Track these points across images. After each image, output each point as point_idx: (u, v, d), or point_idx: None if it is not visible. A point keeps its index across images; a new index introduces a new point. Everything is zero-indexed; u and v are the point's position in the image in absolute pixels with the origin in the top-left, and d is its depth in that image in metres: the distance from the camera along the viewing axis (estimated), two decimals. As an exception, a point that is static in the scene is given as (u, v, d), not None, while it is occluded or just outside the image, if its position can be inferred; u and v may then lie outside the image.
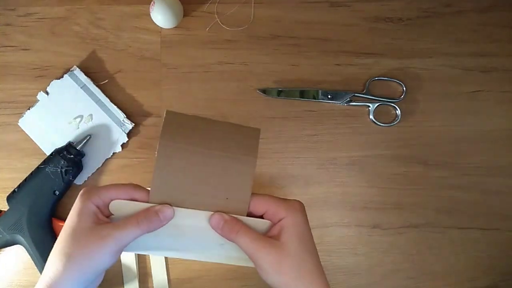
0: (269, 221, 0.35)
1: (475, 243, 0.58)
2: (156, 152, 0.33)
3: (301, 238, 0.34)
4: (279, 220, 0.34)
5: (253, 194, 0.35)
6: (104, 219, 0.34)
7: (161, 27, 0.57)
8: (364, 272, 0.58)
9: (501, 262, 0.58)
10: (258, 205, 0.35)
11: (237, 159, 0.34)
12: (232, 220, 0.34)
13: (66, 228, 0.33)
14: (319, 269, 0.34)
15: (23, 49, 0.58)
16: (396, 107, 0.58)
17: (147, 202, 0.34)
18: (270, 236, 0.34)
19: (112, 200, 0.34)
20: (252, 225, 0.34)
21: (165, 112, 0.34)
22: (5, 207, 0.53)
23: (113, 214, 0.34)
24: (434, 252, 0.58)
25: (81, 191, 0.34)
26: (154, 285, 0.56)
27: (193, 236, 0.35)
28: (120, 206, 0.34)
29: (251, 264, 0.35)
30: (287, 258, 0.33)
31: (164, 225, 0.33)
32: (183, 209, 0.33)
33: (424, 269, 0.58)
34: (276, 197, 0.36)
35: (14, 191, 0.53)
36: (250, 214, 0.35)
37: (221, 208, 0.34)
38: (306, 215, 0.36)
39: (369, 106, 0.58)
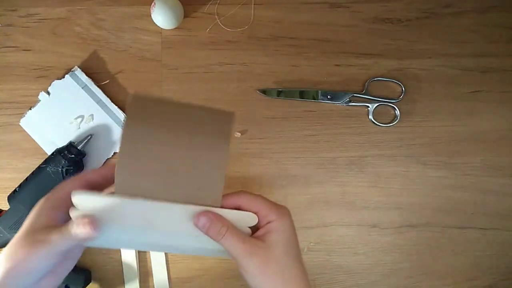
0: (256, 216, 0.34)
1: (475, 243, 0.58)
2: (120, 138, 0.30)
3: (288, 244, 0.34)
4: (267, 223, 0.34)
5: (247, 192, 0.35)
6: (54, 220, 0.32)
7: (161, 28, 0.58)
8: (364, 271, 0.58)
9: (501, 262, 0.58)
10: (251, 205, 0.34)
11: (208, 146, 0.31)
12: (218, 220, 0.32)
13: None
14: (303, 276, 0.34)
15: (25, 50, 0.58)
16: (395, 107, 0.58)
17: (113, 193, 0.31)
18: (256, 237, 0.34)
19: (71, 192, 0.31)
20: (238, 219, 0.33)
21: (130, 96, 0.31)
22: (6, 206, 0.54)
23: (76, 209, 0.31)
24: (434, 252, 0.58)
25: None
26: (154, 284, 0.57)
27: (165, 230, 0.32)
28: (82, 199, 0.30)
29: (227, 255, 0.34)
30: (272, 261, 0.32)
31: (94, 239, 0.30)
32: (152, 202, 0.31)
33: (423, 268, 0.58)
34: (268, 200, 0.35)
35: (15, 190, 0.53)
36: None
37: (193, 199, 0.32)
38: (293, 222, 0.35)
39: (368, 107, 0.58)
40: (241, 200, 0.35)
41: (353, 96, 0.58)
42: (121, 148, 0.30)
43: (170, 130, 0.31)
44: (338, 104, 0.58)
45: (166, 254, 0.57)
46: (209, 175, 0.32)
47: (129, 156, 0.30)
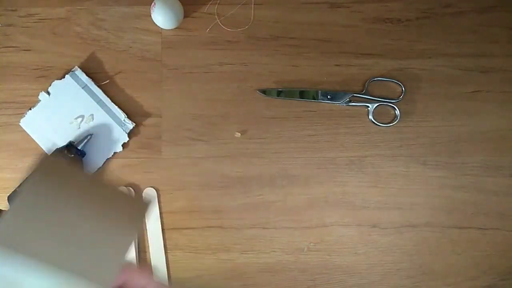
0: None
1: (475, 243, 0.58)
2: (20, 187, 0.28)
3: None
4: None
5: (133, 268, 0.32)
6: None
7: (161, 28, 0.58)
8: (364, 271, 0.58)
9: (501, 262, 0.58)
10: (138, 279, 0.31)
11: (116, 229, 0.29)
12: None
13: None
14: None
15: (25, 50, 0.58)
16: (395, 107, 0.58)
17: None
18: None
19: None
20: None
21: (41, 155, 0.29)
22: (6, 206, 0.54)
23: None
24: (434, 252, 0.58)
25: None
26: (154, 284, 0.57)
27: None
28: None
29: None
30: None
31: None
32: (33, 262, 0.25)
33: (423, 268, 0.58)
34: (152, 276, 0.33)
35: (15, 190, 0.53)
36: None
37: (83, 272, 0.27)
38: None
39: (368, 107, 0.58)
40: (127, 277, 0.31)
41: (353, 96, 0.58)
42: (21, 195, 0.26)
43: (77, 200, 0.28)
44: (338, 104, 0.58)
45: (166, 253, 0.57)
46: (108, 256, 0.28)
47: (24, 210, 0.26)
